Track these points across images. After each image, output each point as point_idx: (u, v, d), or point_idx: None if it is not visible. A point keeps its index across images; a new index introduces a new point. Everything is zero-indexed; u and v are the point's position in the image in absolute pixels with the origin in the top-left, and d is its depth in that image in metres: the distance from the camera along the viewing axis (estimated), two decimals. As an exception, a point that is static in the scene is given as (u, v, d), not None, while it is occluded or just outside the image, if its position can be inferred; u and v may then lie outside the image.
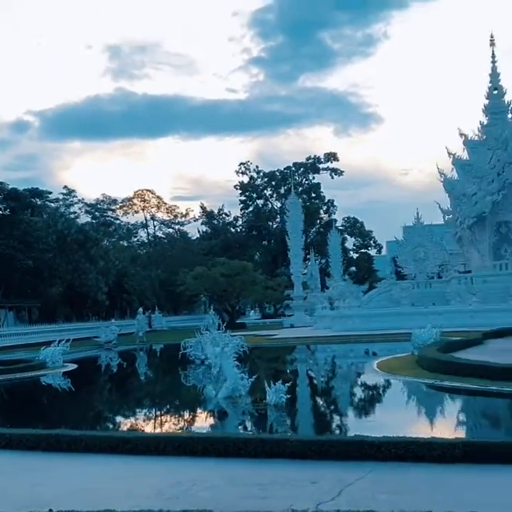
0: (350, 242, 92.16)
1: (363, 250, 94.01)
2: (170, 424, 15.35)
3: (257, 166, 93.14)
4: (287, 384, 15.08)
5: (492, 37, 69.45)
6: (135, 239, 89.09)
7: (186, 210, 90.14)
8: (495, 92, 67.37)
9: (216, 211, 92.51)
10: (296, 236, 58.70)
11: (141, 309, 49.70)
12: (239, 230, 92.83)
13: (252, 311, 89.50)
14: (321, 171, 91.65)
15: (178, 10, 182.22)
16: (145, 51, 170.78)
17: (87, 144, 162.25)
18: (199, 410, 16.59)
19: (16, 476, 9.57)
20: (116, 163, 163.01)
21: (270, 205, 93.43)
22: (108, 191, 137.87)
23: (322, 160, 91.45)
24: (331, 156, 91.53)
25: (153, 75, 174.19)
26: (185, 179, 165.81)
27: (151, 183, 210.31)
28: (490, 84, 67.82)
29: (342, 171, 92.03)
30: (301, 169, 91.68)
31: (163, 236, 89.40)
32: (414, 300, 49.72)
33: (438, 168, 62.24)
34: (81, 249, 58.21)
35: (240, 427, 13.99)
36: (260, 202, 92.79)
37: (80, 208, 76.53)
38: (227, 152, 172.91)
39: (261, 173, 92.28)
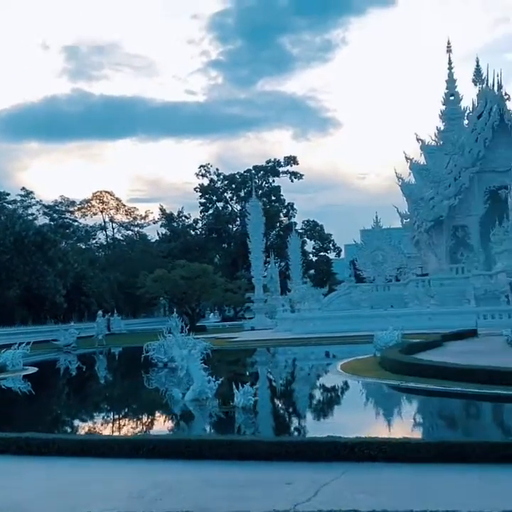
0: (309, 245, 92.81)
1: (322, 253, 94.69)
2: (137, 427, 15.26)
3: (217, 169, 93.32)
4: (255, 386, 15.14)
5: (449, 44, 70.76)
6: (93, 241, 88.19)
7: (145, 212, 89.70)
8: (451, 98, 68.59)
9: (176, 213, 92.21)
10: (257, 239, 58.89)
11: (100, 312, 49.22)
12: (199, 232, 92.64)
13: (212, 314, 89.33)
14: (280, 175, 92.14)
15: (138, 11, 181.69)
16: (103, 52, 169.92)
17: (45, 145, 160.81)
18: (166, 413, 16.51)
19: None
20: (73, 165, 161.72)
21: (230, 208, 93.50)
22: (66, 193, 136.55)
23: (282, 163, 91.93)
24: (291, 160, 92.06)
25: (111, 76, 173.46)
26: (143, 181, 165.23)
27: (109, 184, 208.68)
28: (446, 91, 69.04)
29: (302, 175, 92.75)
30: (261, 172, 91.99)
31: (121, 238, 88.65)
32: (373, 303, 50.24)
33: (396, 173, 63.15)
34: (39, 251, 57.31)
35: (209, 430, 13.99)
36: (220, 205, 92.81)
37: (38, 210, 75.44)
38: (186, 154, 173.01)
39: (221, 176, 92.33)
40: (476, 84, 61.18)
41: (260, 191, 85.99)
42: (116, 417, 17.69)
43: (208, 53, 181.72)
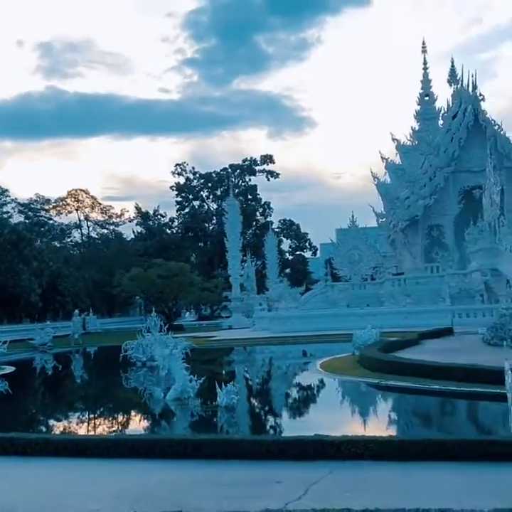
0: (286, 244, 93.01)
1: (298, 252, 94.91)
2: (118, 427, 15.23)
3: (193, 167, 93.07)
4: (237, 385, 15.20)
5: (424, 44, 71.31)
6: (69, 239, 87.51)
7: (121, 210, 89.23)
8: (426, 98, 69.18)
9: (151, 212, 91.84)
10: (234, 238, 58.91)
11: (77, 311, 48.94)
12: (175, 231, 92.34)
13: (188, 313, 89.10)
14: (257, 173, 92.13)
15: (112, 9, 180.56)
16: (77, 49, 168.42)
17: (18, 142, 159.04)
18: (147, 413, 16.48)
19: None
20: (47, 163, 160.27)
21: (206, 207, 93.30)
22: (40, 191, 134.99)
23: (258, 162, 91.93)
24: (267, 159, 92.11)
25: (85, 74, 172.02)
26: (117, 179, 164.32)
27: (83, 182, 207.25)
28: (421, 91, 69.60)
29: (278, 174, 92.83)
30: (238, 171, 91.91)
31: (97, 237, 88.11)
32: (349, 301, 50.58)
33: (372, 173, 63.57)
34: (14, 249, 56.82)
35: (192, 429, 14.01)
36: (196, 203, 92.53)
37: (12, 208, 74.87)
38: (160, 153, 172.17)
39: (197, 175, 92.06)
40: (451, 85, 61.79)
41: (237, 190, 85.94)
42: (97, 416, 17.63)
43: (182, 51, 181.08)
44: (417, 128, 67.62)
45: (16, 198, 76.30)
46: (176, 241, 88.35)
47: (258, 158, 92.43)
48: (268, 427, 13.64)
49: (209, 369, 26.47)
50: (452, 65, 62.54)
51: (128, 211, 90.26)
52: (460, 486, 8.04)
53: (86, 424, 16.00)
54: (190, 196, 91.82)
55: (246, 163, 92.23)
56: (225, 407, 14.85)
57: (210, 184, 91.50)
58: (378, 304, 49.40)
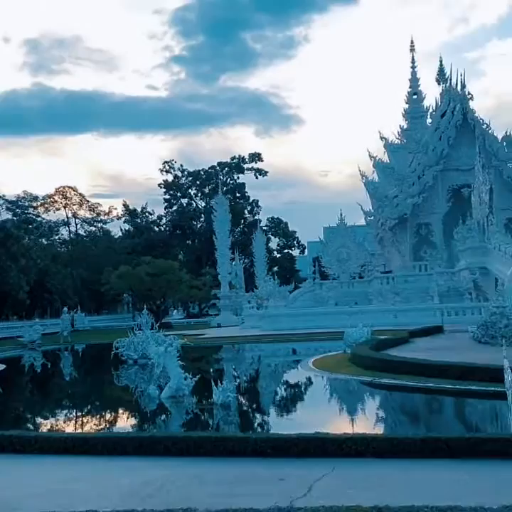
0: (274, 242, 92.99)
1: (286, 250, 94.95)
2: (116, 425, 15.17)
3: (181, 165, 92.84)
4: (234, 383, 15.21)
5: (412, 43, 71.63)
6: (56, 237, 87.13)
7: (109, 208, 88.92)
8: (414, 96, 69.45)
9: (139, 210, 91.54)
10: (223, 236, 58.85)
11: (65, 308, 48.71)
12: (163, 228, 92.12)
13: (175, 311, 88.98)
14: (245, 171, 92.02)
15: (99, 5, 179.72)
16: (64, 46, 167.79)
17: (5, 139, 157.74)
18: (143, 411, 16.43)
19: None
20: (34, 160, 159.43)
21: (195, 205, 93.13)
22: (27, 188, 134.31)
23: (247, 160, 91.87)
24: (256, 157, 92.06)
25: (72, 71, 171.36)
26: (104, 176, 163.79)
27: (70, 180, 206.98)
28: (410, 89, 69.87)
29: (266, 172, 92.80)
30: (226, 169, 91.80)
31: (84, 234, 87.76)
32: (337, 299, 50.64)
33: (360, 171, 63.69)
34: (2, 246, 56.58)
35: (189, 427, 13.99)
36: (184, 201, 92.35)
37: (0, 205, 74.37)
38: (148, 150, 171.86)
39: (185, 172, 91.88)
40: (439, 83, 62.09)
41: (225, 188, 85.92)
42: (92, 414, 17.56)
43: (170, 48, 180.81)
44: (405, 126, 67.86)
45: (3, 195, 76.02)
46: (163, 239, 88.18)
47: (246, 156, 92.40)
48: (265, 425, 13.63)
49: (200, 367, 26.44)
50: (441, 64, 62.97)
51: (116, 209, 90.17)
52: (463, 483, 8.10)
53: (82, 422, 15.94)
54: (179, 194, 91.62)
55: (234, 161, 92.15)
56: (221, 405, 14.85)
57: (198, 182, 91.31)
58: (366, 302, 49.52)
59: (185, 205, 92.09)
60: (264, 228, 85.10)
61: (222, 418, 14.21)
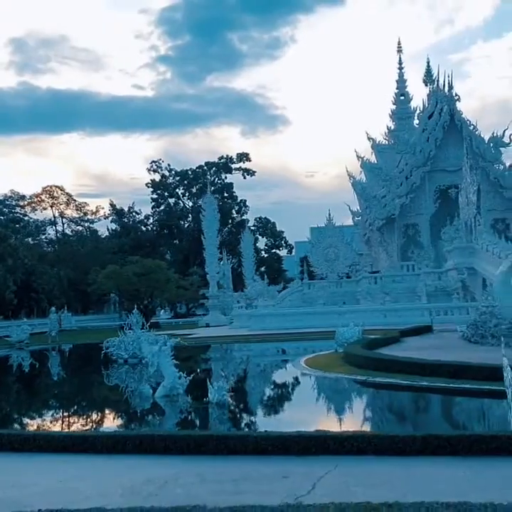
0: (261, 242, 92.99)
1: (274, 250, 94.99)
2: (111, 424, 15.10)
3: (168, 165, 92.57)
4: (230, 382, 15.21)
5: (399, 44, 71.92)
6: (43, 236, 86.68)
7: (96, 207, 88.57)
8: (401, 98, 69.81)
9: (126, 209, 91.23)
10: (211, 235, 58.75)
11: (53, 308, 48.48)
12: (150, 228, 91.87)
13: (162, 311, 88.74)
14: (233, 171, 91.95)
15: (86, 5, 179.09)
16: (50, 45, 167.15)
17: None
18: (138, 410, 16.37)
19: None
20: (19, 159, 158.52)
21: (182, 204, 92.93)
22: (12, 187, 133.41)
23: (234, 160, 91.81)
24: (244, 157, 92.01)
25: (58, 70, 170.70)
26: (90, 176, 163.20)
27: (55, 179, 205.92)
28: (397, 90, 70.20)
29: (254, 172, 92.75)
30: (214, 168, 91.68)
31: (71, 234, 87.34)
32: (325, 299, 50.73)
33: (347, 171, 63.92)
34: (-12, 246, 56.34)
35: (186, 426, 13.98)
36: (172, 201, 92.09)
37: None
38: (133, 150, 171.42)
39: (173, 172, 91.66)
40: (426, 85, 62.32)
41: (213, 188, 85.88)
42: (87, 414, 17.49)
43: (156, 48, 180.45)
44: (392, 127, 68.19)
45: (-11, 194, 75.62)
46: (151, 238, 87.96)
47: (234, 156, 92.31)
48: (261, 424, 13.61)
49: (192, 366, 26.42)
50: (428, 65, 63.17)
51: (103, 208, 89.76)
52: (467, 480, 8.16)
53: (76, 421, 15.87)
54: (166, 193, 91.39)
55: (222, 160, 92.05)
56: (217, 404, 14.84)
57: (185, 181, 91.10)
58: (354, 302, 49.68)
59: (172, 204, 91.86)
60: (252, 228, 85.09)
61: (219, 417, 14.19)
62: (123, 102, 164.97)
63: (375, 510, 6.56)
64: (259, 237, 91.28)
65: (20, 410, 18.25)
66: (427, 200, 57.23)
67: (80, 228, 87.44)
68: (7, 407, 19.14)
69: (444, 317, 38.57)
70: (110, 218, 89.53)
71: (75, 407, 18.95)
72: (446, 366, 17.21)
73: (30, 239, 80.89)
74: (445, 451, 9.00)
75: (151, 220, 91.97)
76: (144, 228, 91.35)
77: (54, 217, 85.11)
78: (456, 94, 58.23)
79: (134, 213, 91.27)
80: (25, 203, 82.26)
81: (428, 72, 62.73)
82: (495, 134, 56.71)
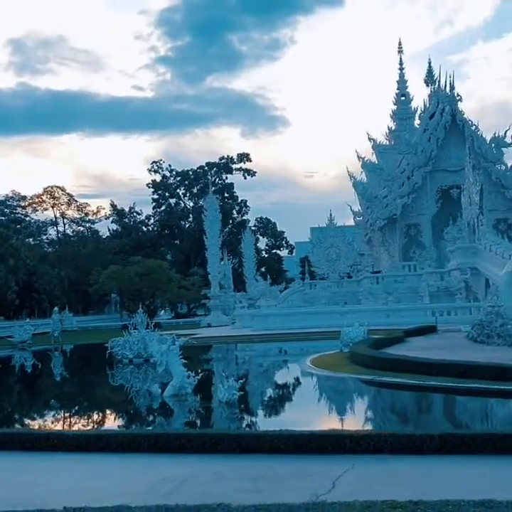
0: (262, 243, 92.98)
1: (274, 251, 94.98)
2: (121, 423, 15.10)
3: (169, 165, 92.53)
4: (240, 381, 15.20)
5: (400, 45, 71.85)
6: (44, 237, 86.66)
7: (97, 207, 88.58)
8: (402, 98, 69.77)
9: (127, 209, 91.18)
10: (213, 235, 58.70)
11: (56, 309, 48.40)
12: (151, 228, 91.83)
13: (162, 311, 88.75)
14: (234, 172, 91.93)
15: (85, 5, 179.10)
16: (49, 46, 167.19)
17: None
18: (148, 409, 16.34)
19: None
20: (19, 160, 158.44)
21: (183, 205, 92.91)
22: (12, 188, 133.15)
23: (235, 160, 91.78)
24: (244, 157, 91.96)
25: (57, 71, 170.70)
26: (89, 177, 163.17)
27: (55, 180, 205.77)
28: (397, 91, 70.16)
29: (255, 172, 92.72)
30: (215, 169, 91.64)
31: (72, 234, 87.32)
32: (327, 299, 50.71)
33: (348, 171, 63.84)
34: (-10, 246, 56.29)
35: (197, 425, 13.97)
36: (173, 201, 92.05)
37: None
38: (133, 150, 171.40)
39: (173, 172, 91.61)
40: (428, 85, 62.29)
41: (214, 188, 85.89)
42: (97, 414, 17.42)
43: (156, 49, 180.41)
44: (393, 127, 68.16)
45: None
46: (152, 239, 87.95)
47: (235, 157, 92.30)
48: (272, 423, 13.58)
49: (198, 366, 26.44)
50: (429, 66, 63.10)
51: (104, 208, 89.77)
52: (487, 478, 8.16)
53: (86, 421, 15.85)
54: (167, 194, 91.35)
55: (223, 161, 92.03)
56: (227, 403, 14.83)
57: (186, 182, 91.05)
58: (355, 302, 49.67)
59: (173, 205, 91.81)
60: (253, 228, 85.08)
61: (229, 416, 14.18)
62: (122, 102, 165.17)
63: (400, 507, 6.56)
64: (260, 238, 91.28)
65: (30, 410, 18.23)
66: (429, 200, 57.23)
67: (81, 229, 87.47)
68: (17, 408, 19.11)
69: (447, 317, 38.58)
70: (111, 219, 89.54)
71: (84, 406, 18.91)
72: (454, 366, 17.20)
73: (31, 239, 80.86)
74: (462, 450, 9.01)
75: (151, 221, 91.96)
76: (144, 229, 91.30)
77: (55, 217, 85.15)
78: (457, 95, 58.29)
79: (134, 214, 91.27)
80: (27, 203, 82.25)
81: (429, 72, 62.67)
82: (496, 135, 56.74)
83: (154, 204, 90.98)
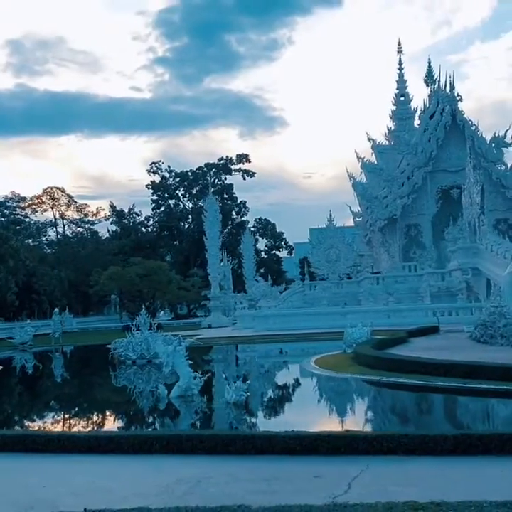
0: (261, 244, 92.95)
1: (272, 252, 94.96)
2: (129, 424, 15.04)
3: (168, 166, 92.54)
4: (247, 382, 15.16)
5: (399, 45, 71.85)
6: (44, 238, 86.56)
7: (97, 209, 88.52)
8: (402, 98, 69.76)
9: (126, 210, 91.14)
10: (213, 236, 58.63)
11: (57, 310, 48.36)
12: (150, 229, 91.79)
13: (162, 312, 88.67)
14: (233, 172, 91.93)
15: (83, 6, 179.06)
16: (48, 47, 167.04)
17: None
18: (155, 410, 16.27)
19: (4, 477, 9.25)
20: (17, 161, 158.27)
21: (182, 206, 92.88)
22: (10, 189, 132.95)
23: (234, 161, 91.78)
24: (243, 158, 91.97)
25: (55, 72, 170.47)
26: (87, 178, 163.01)
27: (53, 181, 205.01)
28: (397, 91, 70.15)
29: (254, 173, 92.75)
30: (214, 170, 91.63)
31: (71, 235, 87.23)
32: (327, 300, 50.67)
33: (347, 172, 63.80)
34: (-10, 247, 56.19)
35: (203, 426, 13.92)
36: (172, 202, 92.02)
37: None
38: (131, 151, 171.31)
39: (173, 173, 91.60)
40: (427, 85, 62.27)
41: (213, 189, 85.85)
42: (104, 415, 17.35)
43: (154, 50, 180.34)
44: (392, 128, 68.14)
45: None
46: (151, 240, 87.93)
47: (234, 157, 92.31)
48: (281, 424, 13.53)
49: (202, 367, 26.41)
50: (429, 66, 63.08)
51: (104, 209, 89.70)
52: (505, 478, 8.10)
53: (94, 422, 15.78)
54: (166, 195, 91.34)
55: (222, 162, 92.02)
56: (234, 404, 14.78)
57: (185, 183, 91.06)
58: (355, 303, 49.64)
59: (172, 206, 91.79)
60: (252, 229, 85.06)
61: (237, 417, 14.14)
62: (120, 103, 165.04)
63: (422, 509, 6.52)
64: (259, 239, 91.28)
65: (37, 412, 18.16)
66: (429, 200, 57.21)
67: (81, 230, 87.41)
68: (25, 410, 19.02)
69: (449, 318, 38.55)
70: (110, 220, 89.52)
71: (91, 408, 18.82)
72: (460, 366, 17.15)
73: (30, 240, 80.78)
74: (477, 451, 8.96)
75: (151, 222, 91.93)
76: (144, 230, 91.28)
77: (54, 218, 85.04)
78: (457, 95, 58.29)
79: (134, 215, 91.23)
80: (26, 204, 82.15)
81: (429, 72, 62.65)
82: (496, 135, 56.75)
83: (153, 205, 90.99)
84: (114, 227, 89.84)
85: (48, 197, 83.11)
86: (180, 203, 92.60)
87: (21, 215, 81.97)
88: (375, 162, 65.27)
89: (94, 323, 68.92)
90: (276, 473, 8.83)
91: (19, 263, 61.33)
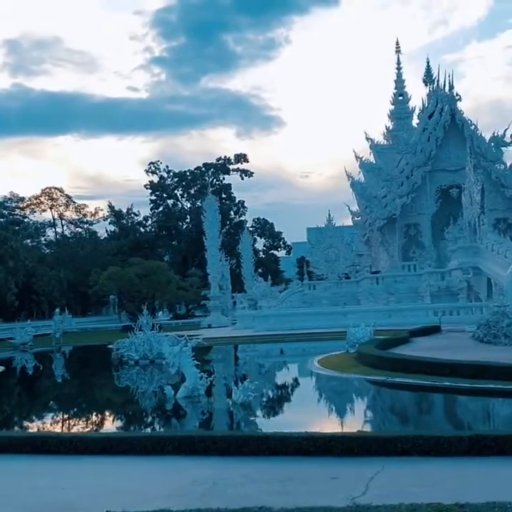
0: (260, 243, 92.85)
1: (270, 251, 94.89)
2: (136, 426, 15.01)
3: (167, 166, 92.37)
4: (255, 382, 15.14)
5: (397, 44, 71.96)
6: (42, 238, 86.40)
7: (95, 209, 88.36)
8: (400, 98, 69.83)
9: (125, 211, 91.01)
10: (213, 236, 58.59)
11: (57, 310, 48.29)
12: (148, 229, 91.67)
13: (160, 312, 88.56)
14: (231, 172, 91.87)
15: (80, 6, 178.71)
16: (44, 47, 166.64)
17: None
18: (162, 411, 16.25)
19: (19, 480, 9.22)
20: (13, 161, 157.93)
21: (180, 205, 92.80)
22: (7, 189, 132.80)
23: (232, 161, 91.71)
24: (241, 157, 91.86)
25: (52, 72, 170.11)
26: (84, 178, 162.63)
27: (50, 181, 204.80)
28: (395, 91, 70.23)
29: (252, 173, 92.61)
30: (212, 170, 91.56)
31: (70, 236, 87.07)
32: (326, 300, 50.65)
33: (346, 171, 63.81)
34: (-10, 248, 56.08)
35: (211, 426, 13.90)
36: (170, 202, 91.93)
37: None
38: (128, 151, 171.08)
39: (171, 173, 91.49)
40: (426, 84, 62.27)
41: (211, 189, 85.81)
42: (113, 415, 17.29)
43: (151, 50, 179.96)
44: (391, 127, 68.20)
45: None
46: (149, 240, 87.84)
47: (232, 157, 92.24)
48: (289, 425, 13.52)
49: (206, 367, 26.37)
50: (428, 65, 63.08)
51: (102, 210, 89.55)
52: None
53: (102, 423, 15.74)
54: (164, 195, 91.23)
55: (220, 161, 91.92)
56: (242, 404, 14.76)
57: (183, 183, 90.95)
58: (354, 303, 49.64)
59: (171, 205, 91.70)
60: (250, 229, 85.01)
61: (244, 417, 14.12)
62: (117, 103, 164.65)
63: (447, 510, 6.51)
64: (258, 238, 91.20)
65: (44, 413, 18.12)
66: (428, 199, 57.26)
67: (79, 230, 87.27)
68: (31, 411, 18.95)
69: (450, 317, 38.57)
70: (109, 220, 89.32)
71: (97, 409, 18.77)
72: (466, 366, 17.14)
73: (29, 241, 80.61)
74: (492, 451, 8.94)
75: (149, 222, 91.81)
76: (142, 230, 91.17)
77: (53, 219, 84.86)
78: (457, 94, 58.34)
79: (132, 215, 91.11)
80: (25, 204, 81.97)
81: (428, 71, 62.64)
82: (495, 134, 56.80)
83: (152, 205, 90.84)
84: (112, 228, 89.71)
85: (47, 197, 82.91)
86: (178, 202, 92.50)
87: (20, 216, 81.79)
88: (374, 161, 65.32)
89: (93, 323, 68.84)
90: (290, 474, 8.81)
91: (19, 264, 61.21)
